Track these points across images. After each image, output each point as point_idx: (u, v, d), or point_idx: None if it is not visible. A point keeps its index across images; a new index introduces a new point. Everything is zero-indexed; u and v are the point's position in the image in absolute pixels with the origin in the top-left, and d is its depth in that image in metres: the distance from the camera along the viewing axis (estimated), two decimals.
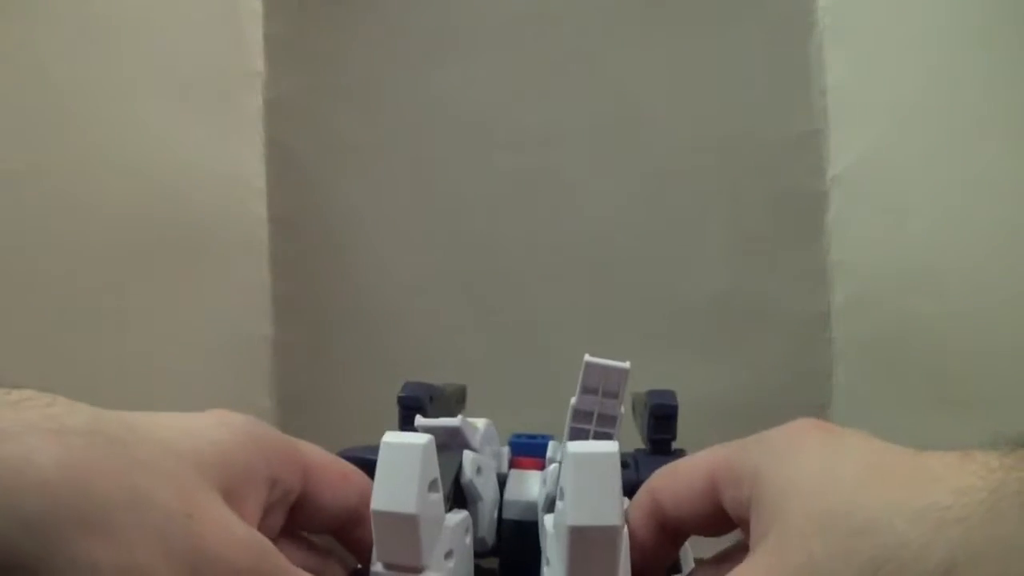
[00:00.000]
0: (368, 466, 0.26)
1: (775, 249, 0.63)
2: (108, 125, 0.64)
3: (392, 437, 0.23)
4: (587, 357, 0.28)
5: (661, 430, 0.32)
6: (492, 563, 0.28)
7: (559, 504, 0.24)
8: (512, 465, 0.32)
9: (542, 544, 0.27)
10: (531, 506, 0.29)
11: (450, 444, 0.28)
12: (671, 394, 0.32)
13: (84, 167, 0.63)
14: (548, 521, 0.26)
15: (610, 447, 0.23)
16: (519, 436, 0.33)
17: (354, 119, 0.69)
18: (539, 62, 0.66)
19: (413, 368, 0.66)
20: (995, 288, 0.58)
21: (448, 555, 0.24)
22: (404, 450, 0.23)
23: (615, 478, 0.22)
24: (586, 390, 0.29)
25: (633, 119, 0.65)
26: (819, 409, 0.62)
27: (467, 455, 0.28)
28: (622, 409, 0.30)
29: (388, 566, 0.23)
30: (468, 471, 0.27)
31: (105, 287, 0.64)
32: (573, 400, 0.30)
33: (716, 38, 0.63)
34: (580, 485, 0.22)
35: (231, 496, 0.21)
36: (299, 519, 0.25)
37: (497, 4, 0.66)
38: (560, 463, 0.25)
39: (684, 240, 0.64)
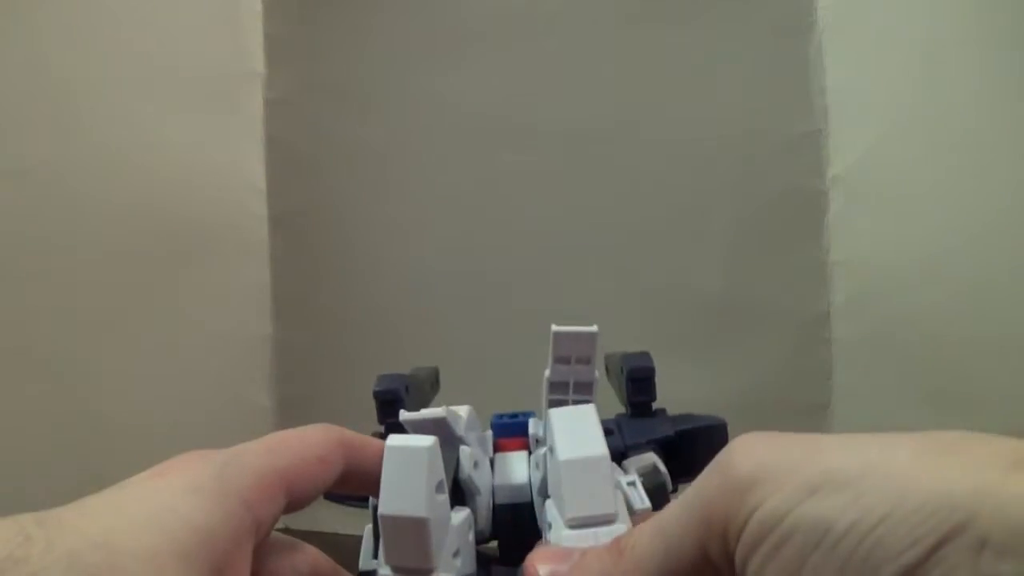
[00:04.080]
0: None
1: (775, 249, 0.63)
2: (109, 125, 0.65)
3: (396, 440, 0.23)
4: (554, 327, 0.29)
5: (640, 392, 0.32)
6: (488, 548, 0.28)
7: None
8: (496, 448, 0.32)
9: (540, 525, 0.27)
10: (519, 488, 0.29)
11: (436, 436, 0.28)
12: (647, 355, 0.32)
13: (85, 167, 0.64)
14: (548, 505, 0.26)
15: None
16: (500, 416, 0.33)
17: (354, 119, 0.69)
18: (539, 62, 0.66)
19: (413, 366, 0.67)
20: (994, 288, 0.58)
21: (455, 555, 0.24)
22: (409, 453, 0.23)
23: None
24: (558, 360, 0.30)
25: (633, 119, 0.65)
26: (819, 409, 0.62)
27: (464, 451, 0.28)
28: (596, 374, 0.30)
29: (396, 569, 0.23)
30: (466, 467, 0.27)
31: (106, 286, 0.64)
32: (547, 372, 0.31)
33: (716, 38, 0.63)
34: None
35: (222, 568, 0.21)
36: (289, 511, 0.25)
37: (497, 4, 0.66)
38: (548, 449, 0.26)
39: (684, 240, 0.64)
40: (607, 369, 0.34)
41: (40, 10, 0.62)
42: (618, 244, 0.65)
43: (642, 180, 0.65)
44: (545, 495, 0.27)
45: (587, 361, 0.28)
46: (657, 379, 0.33)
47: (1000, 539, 0.15)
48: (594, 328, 0.28)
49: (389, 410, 0.28)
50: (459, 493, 0.27)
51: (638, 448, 0.29)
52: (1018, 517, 0.15)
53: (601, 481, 0.24)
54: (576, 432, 0.25)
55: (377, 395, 0.31)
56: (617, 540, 0.21)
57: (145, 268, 0.65)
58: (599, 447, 0.24)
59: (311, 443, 0.25)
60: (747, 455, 0.20)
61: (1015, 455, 0.17)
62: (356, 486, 0.26)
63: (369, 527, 0.29)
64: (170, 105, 0.66)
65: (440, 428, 0.27)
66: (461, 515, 0.26)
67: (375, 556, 0.27)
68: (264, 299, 0.70)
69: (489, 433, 0.32)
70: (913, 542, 0.16)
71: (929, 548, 0.16)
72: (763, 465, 0.19)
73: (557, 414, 0.26)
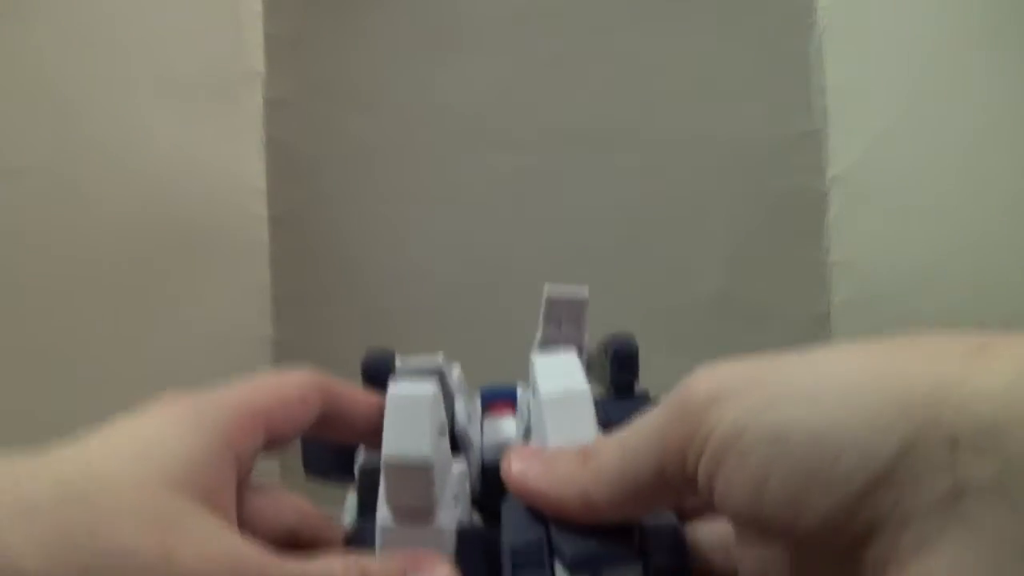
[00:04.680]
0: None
1: (775, 249, 0.63)
2: (108, 125, 0.65)
3: (398, 388, 0.23)
4: (547, 288, 0.29)
5: (624, 371, 0.32)
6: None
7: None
8: (485, 411, 0.32)
9: None
10: (507, 446, 0.29)
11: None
12: (631, 336, 0.33)
13: (84, 167, 0.64)
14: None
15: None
16: (488, 388, 0.33)
17: (354, 119, 0.69)
18: (539, 62, 0.66)
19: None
20: (995, 288, 0.58)
21: (455, 499, 0.25)
22: (413, 398, 0.23)
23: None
24: (549, 323, 0.30)
25: (633, 119, 0.65)
26: None
27: (459, 404, 0.28)
28: (586, 338, 0.30)
29: (397, 510, 0.23)
30: (461, 420, 0.28)
31: (105, 287, 0.64)
32: (538, 335, 0.31)
33: (716, 38, 0.63)
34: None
35: (208, 498, 0.21)
36: (268, 448, 0.25)
37: (497, 4, 0.66)
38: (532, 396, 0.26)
39: (684, 240, 0.64)
40: (588, 364, 0.35)
41: (37, 8, 0.62)
42: (617, 244, 0.65)
43: (641, 180, 0.65)
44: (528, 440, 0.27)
45: (577, 325, 0.28)
46: (656, 380, 0.33)
47: (971, 438, 0.14)
48: (585, 292, 0.28)
49: (374, 384, 0.29)
50: (453, 445, 0.28)
51: (620, 426, 0.29)
52: (984, 413, 0.14)
53: (582, 415, 0.24)
54: (558, 372, 0.26)
55: (364, 369, 0.31)
56: (584, 447, 0.22)
57: (143, 269, 0.65)
58: (580, 383, 0.25)
59: (290, 383, 0.25)
60: (704, 378, 0.20)
61: (973, 343, 0.16)
62: (335, 431, 0.27)
63: (352, 496, 0.28)
64: (169, 105, 0.66)
65: (436, 376, 0.28)
66: (461, 465, 0.26)
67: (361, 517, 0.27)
68: (264, 300, 0.70)
69: (478, 398, 0.33)
70: (878, 446, 0.15)
71: (896, 451, 0.15)
72: (720, 384, 0.19)
73: (540, 359, 0.27)
